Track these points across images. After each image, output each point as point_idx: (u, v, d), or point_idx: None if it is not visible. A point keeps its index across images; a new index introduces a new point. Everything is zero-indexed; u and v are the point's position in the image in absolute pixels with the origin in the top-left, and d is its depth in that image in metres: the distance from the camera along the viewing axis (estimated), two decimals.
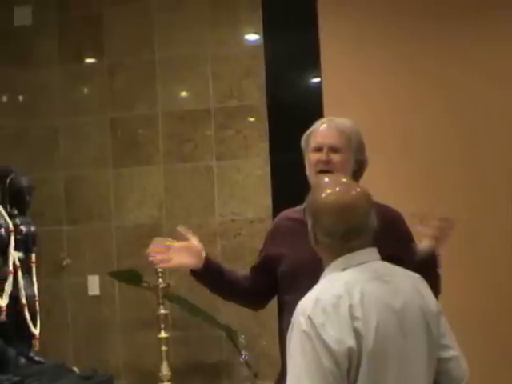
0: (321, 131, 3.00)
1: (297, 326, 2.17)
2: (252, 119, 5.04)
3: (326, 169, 2.91)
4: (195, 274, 2.99)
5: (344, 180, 2.43)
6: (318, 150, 2.95)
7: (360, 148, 3.01)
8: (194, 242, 2.99)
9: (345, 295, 2.16)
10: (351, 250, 2.28)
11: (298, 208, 3.04)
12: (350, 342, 2.11)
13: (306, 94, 5.00)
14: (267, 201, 4.80)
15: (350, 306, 2.14)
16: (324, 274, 2.32)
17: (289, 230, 3.04)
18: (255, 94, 5.02)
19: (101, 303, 5.20)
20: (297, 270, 2.92)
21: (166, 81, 5.15)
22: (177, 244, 2.94)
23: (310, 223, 2.34)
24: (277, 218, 3.20)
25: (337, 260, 2.29)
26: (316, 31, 4.86)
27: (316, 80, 4.97)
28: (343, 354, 2.10)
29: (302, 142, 3.05)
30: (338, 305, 2.15)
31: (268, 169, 4.88)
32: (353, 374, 2.12)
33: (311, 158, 2.97)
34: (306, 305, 2.18)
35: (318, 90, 4.90)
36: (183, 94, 5.19)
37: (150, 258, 2.86)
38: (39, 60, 5.35)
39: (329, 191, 2.32)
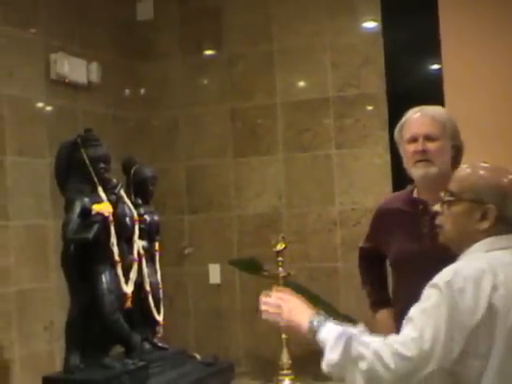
0: (414, 121, 2.94)
1: (433, 290, 2.14)
2: (371, 107, 5.00)
3: (423, 158, 2.86)
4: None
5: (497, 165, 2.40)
6: (413, 140, 2.90)
7: (455, 133, 2.95)
8: None
9: (488, 271, 2.13)
10: (499, 233, 2.26)
11: (399, 196, 3.03)
12: (485, 315, 2.08)
13: (425, 81, 4.92)
14: (387, 189, 4.75)
15: (493, 282, 2.11)
16: (464, 254, 2.28)
17: (393, 221, 3.02)
18: (374, 82, 4.97)
19: (221, 291, 5.28)
20: (401, 260, 2.90)
21: (285, 70, 5.17)
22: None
23: (490, 206, 2.28)
24: (378, 208, 3.18)
25: (481, 242, 2.26)
26: (436, 17, 4.76)
27: (436, 67, 4.88)
28: (475, 325, 2.07)
29: (396, 134, 3.01)
30: (480, 278, 2.12)
31: (388, 157, 4.82)
32: (482, 351, 2.09)
33: (407, 150, 2.92)
34: (446, 274, 2.15)
35: (438, 77, 4.80)
36: (302, 83, 5.20)
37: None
38: (160, 53, 5.47)
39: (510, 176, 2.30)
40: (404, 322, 2.17)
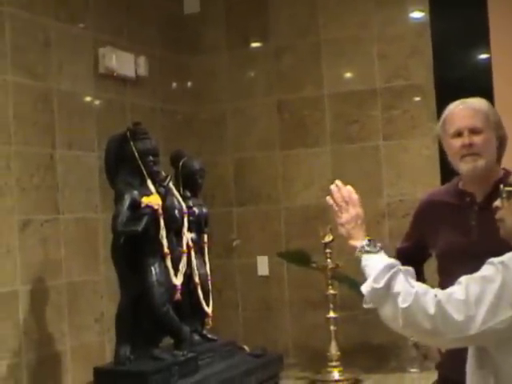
0: (457, 115, 2.89)
1: (490, 266, 2.16)
2: (419, 98, 4.96)
3: (470, 152, 2.82)
4: None
5: None
6: (458, 134, 2.85)
7: (498, 124, 2.90)
8: None
9: None
10: None
11: (444, 189, 3.00)
12: None
13: (474, 72, 4.87)
14: (436, 181, 4.71)
15: None
16: None
17: (439, 214, 2.99)
18: (422, 72, 4.93)
19: (270, 283, 5.29)
20: (448, 253, 2.88)
21: (332, 62, 5.15)
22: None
23: None
24: (424, 200, 3.15)
25: None
26: (484, 6, 4.71)
27: (485, 57, 4.82)
28: None
29: (438, 128, 2.97)
30: None
31: (436, 148, 4.78)
32: None
33: (453, 145, 2.87)
34: (505, 256, 2.16)
35: (487, 67, 4.75)
36: (349, 74, 5.18)
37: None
38: (208, 46, 5.49)
39: None
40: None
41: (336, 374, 4.64)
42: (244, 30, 5.40)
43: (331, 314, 4.64)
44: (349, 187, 2.57)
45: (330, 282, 4.63)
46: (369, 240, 2.38)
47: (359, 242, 2.40)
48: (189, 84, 5.56)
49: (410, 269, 2.30)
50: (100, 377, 3.57)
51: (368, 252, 2.35)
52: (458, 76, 4.86)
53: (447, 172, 3.17)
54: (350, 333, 4.92)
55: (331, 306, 4.63)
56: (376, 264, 2.28)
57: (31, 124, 4.10)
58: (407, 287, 2.19)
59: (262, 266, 5.26)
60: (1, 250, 3.85)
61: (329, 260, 4.61)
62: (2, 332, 3.81)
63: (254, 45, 5.42)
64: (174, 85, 5.46)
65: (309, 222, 5.08)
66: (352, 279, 4.64)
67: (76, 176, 4.39)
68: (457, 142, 2.85)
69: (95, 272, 4.45)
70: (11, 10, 4.00)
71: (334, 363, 4.64)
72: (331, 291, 4.63)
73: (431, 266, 3.15)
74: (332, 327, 4.64)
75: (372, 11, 5.05)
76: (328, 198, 2.55)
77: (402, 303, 2.16)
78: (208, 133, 5.44)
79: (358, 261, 2.38)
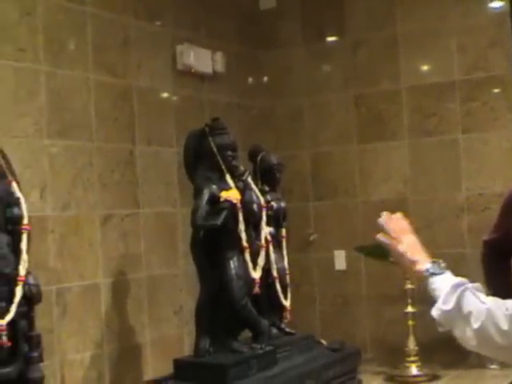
0: None
1: None
2: (498, 90, 4.88)
3: None
4: None
5: None
6: None
7: None
8: None
9: None
10: None
11: None
12: None
13: None
14: None
15: None
16: None
17: None
18: (502, 63, 4.85)
19: (347, 278, 5.28)
20: None
21: (409, 55, 5.11)
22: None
23: None
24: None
25: None
26: None
27: None
28: None
29: None
30: None
31: None
32: None
33: None
34: None
35: None
36: (427, 67, 5.13)
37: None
38: (283, 41, 5.50)
39: None
40: None
41: (414, 370, 4.61)
42: (320, 24, 5.39)
43: (409, 309, 4.62)
44: (398, 215, 2.51)
45: (407, 276, 4.58)
46: (432, 262, 2.34)
47: (424, 265, 2.36)
48: (265, 79, 5.58)
49: (478, 284, 2.25)
50: (180, 368, 3.61)
51: (433, 274, 2.31)
52: None
53: None
54: (429, 328, 4.83)
55: (409, 300, 4.60)
56: (443, 285, 2.23)
57: (112, 121, 4.19)
58: (478, 305, 2.14)
59: (340, 260, 5.26)
60: (83, 244, 3.94)
61: None
62: (85, 324, 3.90)
63: (330, 39, 5.41)
64: (251, 80, 5.49)
65: None
66: None
67: (155, 171, 4.46)
68: None
69: (174, 266, 4.51)
70: (93, 10, 4.09)
71: (411, 358, 4.61)
72: (409, 286, 4.59)
73: None
74: (410, 322, 4.61)
75: (450, 3, 4.98)
76: (379, 235, 2.48)
77: (475, 323, 2.12)
78: (285, 127, 5.46)
79: (426, 286, 2.34)
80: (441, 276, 2.25)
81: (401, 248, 2.37)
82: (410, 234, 2.40)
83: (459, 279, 2.22)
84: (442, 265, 2.28)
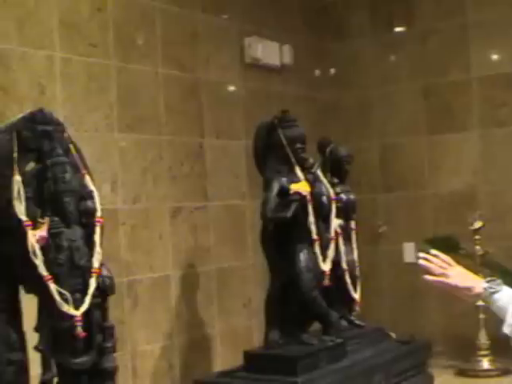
0: None
1: None
2: None
3: None
4: None
5: None
6: None
7: None
8: None
9: None
10: None
11: None
12: None
13: None
14: None
15: None
16: None
17: None
18: None
19: (416, 270, 5.19)
20: None
21: (480, 44, 5.03)
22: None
23: None
24: None
25: None
26: None
27: None
28: None
29: None
30: None
31: None
32: None
33: None
34: None
35: None
36: (498, 56, 5.04)
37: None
38: (351, 32, 5.47)
39: None
40: None
41: (485, 364, 4.56)
42: (388, 14, 5.35)
43: (480, 302, 4.54)
44: (433, 252, 2.50)
45: (479, 269, 4.53)
46: (487, 281, 2.34)
47: (480, 287, 2.35)
48: (333, 70, 5.56)
49: None
50: (250, 360, 3.62)
51: (493, 292, 2.30)
52: None
53: None
54: (500, 321, 4.80)
55: None
56: (507, 301, 2.24)
57: (181, 114, 4.22)
58: None
59: (409, 252, 5.20)
60: (154, 237, 3.99)
61: (478, 247, 4.51)
62: (155, 315, 3.95)
63: (399, 29, 5.36)
64: (318, 72, 5.48)
65: (457, 208, 4.99)
66: (503, 266, 4.54)
67: (224, 164, 4.48)
68: None
69: (243, 258, 4.53)
70: (161, 6, 4.13)
71: (483, 352, 4.55)
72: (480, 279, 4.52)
73: None
74: (481, 315, 4.55)
75: None
76: (426, 276, 2.47)
77: None
78: (353, 119, 5.43)
79: (487, 305, 2.34)
80: (501, 293, 2.26)
81: (451, 281, 2.39)
82: (454, 266, 2.42)
83: None
84: (498, 281, 2.29)
